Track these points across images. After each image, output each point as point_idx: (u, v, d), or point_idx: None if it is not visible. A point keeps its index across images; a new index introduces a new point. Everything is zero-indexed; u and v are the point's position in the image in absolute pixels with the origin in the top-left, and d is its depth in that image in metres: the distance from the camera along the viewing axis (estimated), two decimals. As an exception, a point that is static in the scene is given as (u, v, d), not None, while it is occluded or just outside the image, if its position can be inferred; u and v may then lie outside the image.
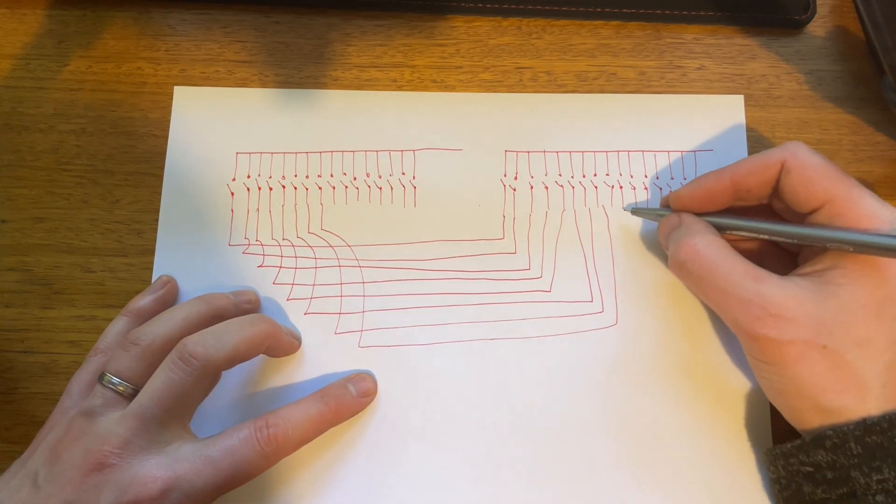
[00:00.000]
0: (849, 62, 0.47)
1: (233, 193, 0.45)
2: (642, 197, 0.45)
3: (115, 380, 0.36)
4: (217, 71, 0.47)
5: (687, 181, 0.44)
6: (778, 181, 0.38)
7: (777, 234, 0.38)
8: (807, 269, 0.37)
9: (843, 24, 0.48)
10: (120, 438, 0.34)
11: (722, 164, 0.44)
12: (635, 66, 0.47)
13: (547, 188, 0.45)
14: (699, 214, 0.40)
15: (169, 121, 0.46)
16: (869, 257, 0.35)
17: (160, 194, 0.45)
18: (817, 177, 0.37)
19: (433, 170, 0.45)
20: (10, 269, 0.44)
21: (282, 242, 0.44)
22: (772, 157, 0.38)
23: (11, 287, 0.44)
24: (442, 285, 0.43)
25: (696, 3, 0.47)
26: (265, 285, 0.43)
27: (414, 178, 0.45)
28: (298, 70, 0.47)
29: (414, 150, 0.45)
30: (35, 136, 0.46)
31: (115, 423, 0.35)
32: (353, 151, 0.45)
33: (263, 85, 0.47)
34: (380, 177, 0.45)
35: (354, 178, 0.45)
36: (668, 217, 0.41)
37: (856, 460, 0.34)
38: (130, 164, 0.45)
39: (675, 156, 0.45)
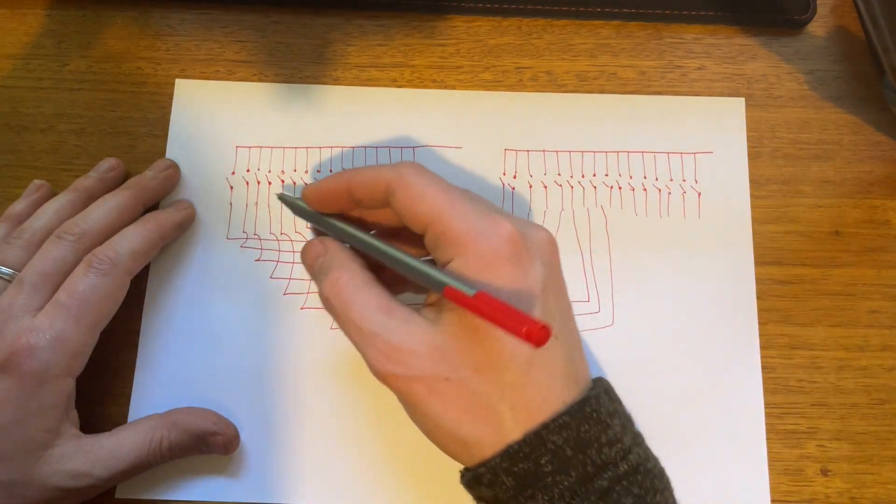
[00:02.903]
0: (849, 62, 0.47)
1: (232, 187, 0.45)
2: (641, 198, 0.45)
3: (3, 269, 0.39)
4: (217, 71, 0.47)
5: (686, 183, 0.45)
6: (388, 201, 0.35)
7: (368, 248, 0.35)
8: (432, 297, 0.35)
9: (843, 24, 0.48)
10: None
11: (722, 166, 0.45)
12: (635, 65, 0.47)
13: (546, 187, 0.45)
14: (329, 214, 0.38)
15: (169, 121, 0.46)
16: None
17: (159, 193, 0.44)
18: (419, 198, 0.33)
19: (432, 167, 0.44)
20: (8, 267, 0.44)
21: (280, 237, 0.44)
22: (381, 174, 0.35)
23: (9, 285, 0.43)
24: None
25: (696, 3, 0.47)
26: (262, 280, 0.43)
27: (413, 174, 0.45)
28: (298, 70, 0.47)
29: (413, 147, 0.45)
30: (35, 136, 0.46)
31: None
32: (353, 147, 0.45)
33: (263, 84, 0.47)
34: (379, 173, 0.45)
35: (354, 175, 0.45)
36: (311, 244, 0.37)
37: (511, 492, 0.32)
38: (130, 165, 0.45)
39: (674, 157, 0.45)
